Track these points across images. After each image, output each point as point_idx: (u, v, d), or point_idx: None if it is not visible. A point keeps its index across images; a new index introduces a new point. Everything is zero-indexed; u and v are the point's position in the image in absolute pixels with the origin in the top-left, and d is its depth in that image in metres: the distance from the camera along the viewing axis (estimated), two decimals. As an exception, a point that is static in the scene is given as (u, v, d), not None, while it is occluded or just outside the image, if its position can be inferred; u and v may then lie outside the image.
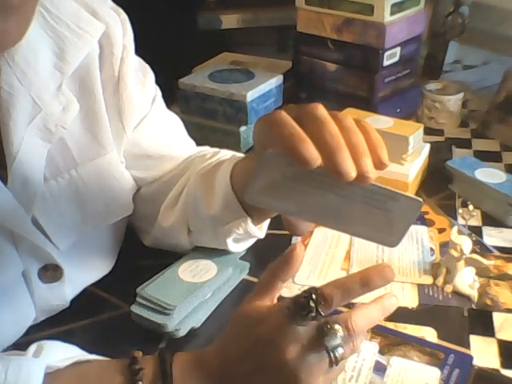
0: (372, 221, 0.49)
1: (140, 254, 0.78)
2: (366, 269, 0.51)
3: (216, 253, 0.73)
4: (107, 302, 0.71)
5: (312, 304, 0.47)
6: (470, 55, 1.32)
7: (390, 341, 0.63)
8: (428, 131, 1.01)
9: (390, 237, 0.49)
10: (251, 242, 0.75)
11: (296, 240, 0.80)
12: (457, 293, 0.70)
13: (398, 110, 1.05)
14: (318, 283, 0.71)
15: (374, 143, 0.48)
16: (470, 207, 0.77)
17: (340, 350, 0.47)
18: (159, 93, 0.76)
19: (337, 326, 0.47)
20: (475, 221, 0.82)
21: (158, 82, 0.76)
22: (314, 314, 0.47)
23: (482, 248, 0.77)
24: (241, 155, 0.75)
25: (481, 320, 0.66)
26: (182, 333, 0.65)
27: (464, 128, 1.11)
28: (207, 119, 1.05)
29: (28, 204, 0.59)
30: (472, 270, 0.71)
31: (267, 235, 0.79)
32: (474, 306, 0.68)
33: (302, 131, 0.46)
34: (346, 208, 0.48)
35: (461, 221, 0.81)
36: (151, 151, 0.74)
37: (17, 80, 0.57)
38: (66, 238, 0.65)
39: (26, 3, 0.49)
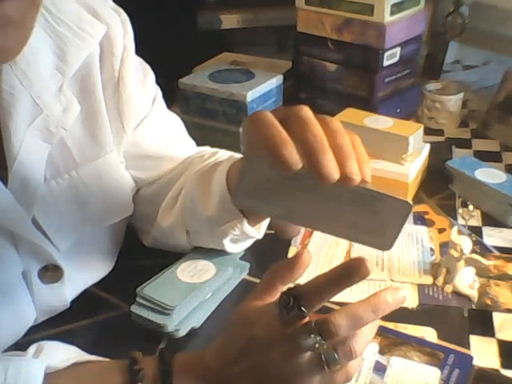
0: (362, 224, 0.48)
1: (140, 254, 0.78)
2: (339, 265, 0.48)
3: (215, 253, 0.73)
4: (107, 302, 0.71)
5: (292, 301, 0.47)
6: (470, 55, 1.32)
7: (390, 341, 0.63)
8: (428, 131, 1.01)
9: (382, 240, 0.49)
10: (249, 242, 0.74)
11: (296, 240, 0.80)
12: (457, 293, 0.70)
13: (398, 110, 1.05)
14: (317, 283, 0.71)
15: (359, 157, 0.47)
16: (470, 207, 0.77)
17: (329, 351, 0.47)
18: (159, 93, 0.76)
19: (311, 327, 0.47)
20: (475, 221, 0.82)
21: (158, 82, 0.76)
22: (296, 312, 0.47)
23: (481, 248, 0.77)
24: (239, 156, 0.74)
25: (481, 320, 0.66)
26: (182, 333, 0.65)
27: (464, 128, 1.11)
28: (207, 119, 1.05)
29: (28, 204, 0.59)
30: (472, 270, 0.71)
31: (267, 235, 0.78)
32: (474, 306, 0.68)
33: (285, 132, 0.46)
34: (334, 211, 0.48)
35: (461, 221, 0.81)
36: (151, 152, 0.74)
37: (18, 81, 0.57)
38: (66, 238, 0.65)
39: (26, 17, 0.49)
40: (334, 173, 0.44)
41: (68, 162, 0.64)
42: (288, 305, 0.47)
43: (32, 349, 0.52)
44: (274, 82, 1.06)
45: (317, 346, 0.46)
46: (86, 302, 0.70)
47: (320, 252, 0.78)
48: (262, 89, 1.03)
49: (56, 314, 0.68)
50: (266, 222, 0.72)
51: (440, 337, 0.64)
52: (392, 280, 0.72)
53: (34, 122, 0.58)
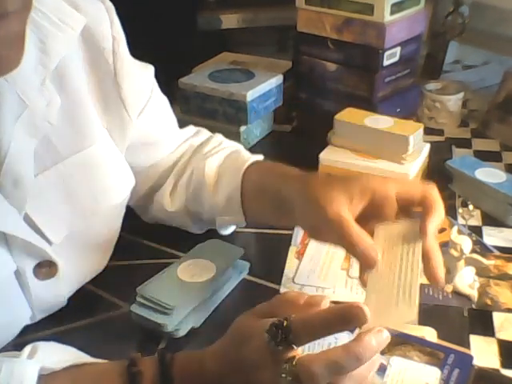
0: None
1: (140, 253, 0.78)
2: (337, 308, 0.49)
3: (215, 253, 0.73)
4: (107, 302, 0.71)
5: (281, 335, 0.47)
6: (470, 55, 1.32)
7: (390, 341, 0.63)
8: (428, 131, 1.01)
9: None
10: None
11: (296, 240, 0.80)
12: (457, 292, 0.70)
13: (398, 110, 1.05)
14: (318, 283, 0.72)
15: None
16: (470, 207, 0.77)
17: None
18: (153, 73, 0.76)
19: (291, 368, 0.46)
20: (475, 221, 0.82)
21: (158, 82, 0.76)
22: (284, 345, 0.47)
23: (482, 248, 0.77)
24: (247, 155, 0.77)
25: (481, 320, 0.66)
26: (182, 333, 0.65)
27: (464, 128, 1.11)
28: (207, 119, 1.05)
29: (20, 202, 0.59)
30: (472, 270, 0.71)
31: (267, 235, 0.79)
32: (474, 306, 0.68)
33: None
34: None
35: (461, 220, 0.81)
36: (152, 138, 0.76)
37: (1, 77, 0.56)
38: (59, 231, 0.64)
39: (24, 27, 0.49)
40: None
41: (53, 155, 0.63)
42: (277, 337, 0.47)
43: (27, 350, 0.51)
44: (274, 81, 1.06)
45: None
46: (85, 301, 0.70)
47: (320, 252, 0.77)
48: (261, 89, 1.03)
49: (55, 314, 0.68)
50: None
51: (440, 336, 0.63)
52: (392, 280, 0.72)
53: (20, 118, 0.58)
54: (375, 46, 0.99)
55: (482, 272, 0.71)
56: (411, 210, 0.60)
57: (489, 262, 0.72)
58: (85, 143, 0.66)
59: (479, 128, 1.10)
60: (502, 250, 0.77)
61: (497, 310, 0.67)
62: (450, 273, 0.70)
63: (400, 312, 0.52)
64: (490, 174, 0.86)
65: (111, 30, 0.67)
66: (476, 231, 0.80)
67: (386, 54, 1.00)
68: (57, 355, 0.52)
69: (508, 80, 1.08)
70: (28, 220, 0.61)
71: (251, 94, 1.00)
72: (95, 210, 0.68)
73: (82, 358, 0.54)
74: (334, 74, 1.05)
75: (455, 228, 0.72)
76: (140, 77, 0.72)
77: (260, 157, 0.77)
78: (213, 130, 1.04)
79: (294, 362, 0.46)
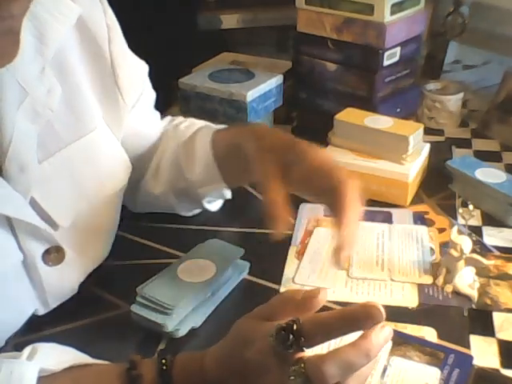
0: None
1: (140, 253, 0.78)
2: (352, 308, 0.49)
3: (215, 253, 0.73)
4: (107, 302, 0.71)
5: (292, 338, 0.46)
6: (470, 55, 1.32)
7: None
8: (428, 131, 1.01)
9: None
10: (221, 201, 0.84)
11: (296, 240, 0.80)
12: (457, 293, 0.70)
13: (398, 110, 1.05)
14: (318, 283, 0.72)
15: None
16: (470, 207, 0.77)
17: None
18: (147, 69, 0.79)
19: (300, 370, 0.46)
20: (475, 221, 0.82)
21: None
22: (293, 349, 0.46)
23: (482, 248, 0.77)
24: (217, 126, 0.81)
25: (481, 320, 0.66)
26: (182, 333, 0.65)
27: (464, 128, 1.11)
28: (207, 119, 1.04)
29: (25, 188, 0.60)
30: (472, 270, 0.71)
31: (267, 235, 0.79)
32: (474, 306, 0.68)
33: None
34: None
35: (461, 221, 0.81)
36: (141, 129, 0.79)
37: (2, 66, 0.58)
38: (66, 215, 0.66)
39: (21, 21, 0.51)
40: None
41: (56, 142, 0.64)
42: (286, 341, 0.46)
43: (26, 351, 0.51)
44: (274, 81, 1.06)
45: None
46: (85, 301, 0.70)
47: (320, 252, 0.77)
48: (262, 89, 1.03)
49: (54, 313, 0.67)
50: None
51: (440, 337, 0.63)
52: (392, 280, 0.72)
53: (22, 105, 0.59)
54: (375, 45, 0.99)
55: (481, 272, 0.71)
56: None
57: (489, 262, 0.72)
58: (85, 129, 0.67)
59: (479, 128, 1.10)
60: (501, 249, 0.77)
61: (497, 309, 0.67)
62: (450, 272, 0.70)
63: None
64: (489, 174, 0.86)
65: (105, 19, 0.68)
66: (476, 231, 0.80)
67: (386, 53, 1.00)
68: (57, 356, 0.52)
69: (508, 80, 1.08)
70: (34, 205, 0.62)
71: (251, 94, 1.00)
72: (99, 194, 0.70)
73: (82, 358, 0.54)
74: (334, 73, 1.05)
75: (455, 228, 0.72)
76: (135, 68, 0.74)
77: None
78: (213, 129, 1.04)
79: (302, 364, 0.46)
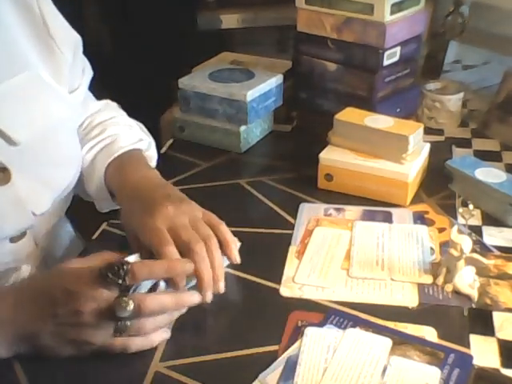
0: None
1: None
2: (172, 260, 0.64)
3: None
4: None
5: (121, 272, 0.57)
6: (470, 55, 1.32)
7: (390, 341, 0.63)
8: (428, 131, 1.01)
9: None
10: None
11: (296, 240, 0.80)
12: (457, 292, 0.70)
13: (398, 110, 1.05)
14: (318, 283, 0.72)
15: None
16: (470, 207, 0.77)
17: (127, 323, 0.57)
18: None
19: (130, 302, 0.56)
20: (475, 220, 0.82)
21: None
22: (120, 281, 0.57)
23: (482, 247, 0.77)
24: (116, 146, 0.82)
25: (481, 319, 0.66)
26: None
27: (464, 128, 1.11)
28: (207, 119, 1.05)
29: None
30: (472, 270, 0.71)
31: (267, 235, 0.79)
32: (474, 306, 0.68)
33: None
34: None
35: (461, 220, 0.81)
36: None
37: None
38: (21, 132, 0.69)
39: None
40: None
41: None
42: (116, 273, 0.57)
43: None
44: (274, 81, 1.06)
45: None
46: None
47: (320, 251, 0.78)
48: (261, 88, 1.03)
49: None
50: None
51: (440, 336, 0.63)
52: (392, 279, 0.72)
53: None
54: (375, 45, 0.99)
55: (481, 272, 0.71)
56: None
57: (489, 262, 0.72)
58: (19, 69, 0.70)
59: (479, 128, 1.10)
60: (501, 249, 0.77)
61: (497, 309, 0.67)
62: (450, 272, 0.70)
63: None
64: (489, 174, 0.86)
65: None
66: (476, 231, 0.80)
67: (386, 53, 1.00)
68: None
69: (508, 80, 1.08)
70: None
71: (251, 94, 1.01)
72: (48, 124, 0.73)
73: None
74: (334, 73, 1.05)
75: (455, 228, 0.72)
76: (67, 27, 0.78)
77: (130, 146, 0.83)
78: (213, 129, 1.04)
79: (126, 295, 0.57)
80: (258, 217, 0.87)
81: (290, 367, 0.59)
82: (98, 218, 0.82)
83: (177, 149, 1.07)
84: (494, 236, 0.80)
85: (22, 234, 0.73)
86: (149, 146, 0.87)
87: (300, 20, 1.06)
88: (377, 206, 0.87)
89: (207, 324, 0.67)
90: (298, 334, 0.64)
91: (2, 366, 0.60)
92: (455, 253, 0.69)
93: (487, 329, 0.65)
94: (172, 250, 0.65)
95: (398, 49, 1.02)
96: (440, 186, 0.91)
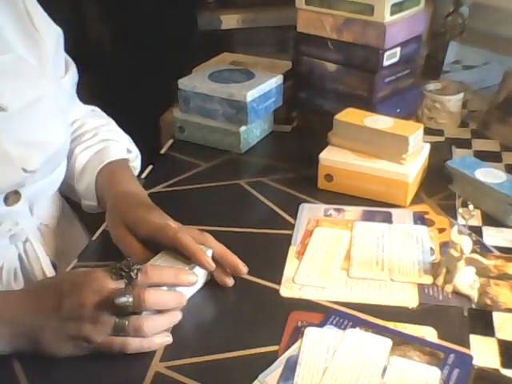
0: None
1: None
2: (179, 269, 0.66)
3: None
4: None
5: (135, 269, 0.60)
6: (470, 55, 1.32)
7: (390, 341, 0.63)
8: (428, 131, 1.01)
9: None
10: None
11: (296, 240, 0.80)
12: (457, 292, 0.70)
13: (398, 110, 1.05)
14: (318, 283, 0.72)
15: None
16: (470, 207, 0.77)
17: (125, 322, 0.59)
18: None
19: (130, 292, 0.58)
20: (475, 221, 0.82)
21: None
22: (132, 274, 0.60)
23: (482, 248, 0.77)
24: (108, 154, 0.85)
25: (481, 320, 0.66)
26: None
27: (464, 128, 1.11)
28: (207, 119, 1.05)
29: None
30: (472, 270, 0.71)
31: (267, 235, 0.79)
32: (474, 306, 0.68)
33: None
34: None
35: (461, 221, 0.81)
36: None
37: None
38: (12, 99, 0.71)
39: None
40: None
41: None
42: (128, 267, 0.60)
43: None
44: (274, 82, 1.06)
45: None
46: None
47: (320, 252, 0.78)
48: (261, 89, 1.03)
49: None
50: None
51: (440, 336, 0.64)
52: (392, 280, 0.72)
53: None
54: (375, 46, 0.99)
55: (481, 272, 0.71)
56: None
57: (489, 262, 0.72)
58: (4, 51, 0.73)
59: (479, 128, 1.10)
60: (501, 249, 0.77)
61: (497, 310, 0.67)
62: (450, 272, 0.70)
63: None
64: (489, 174, 0.86)
65: None
66: (476, 231, 0.80)
67: (386, 54, 1.00)
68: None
69: (508, 80, 1.08)
70: None
71: (251, 94, 1.01)
72: (34, 93, 0.75)
73: None
74: (334, 74, 1.05)
75: (455, 228, 0.72)
76: (51, 22, 0.81)
77: (121, 155, 0.87)
78: (213, 129, 1.04)
79: (131, 288, 0.59)
80: (258, 217, 0.87)
81: (290, 367, 0.59)
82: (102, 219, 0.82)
83: (177, 149, 1.07)
84: (493, 236, 0.80)
85: (16, 197, 0.74)
86: (135, 157, 0.93)
87: (300, 20, 1.06)
88: (377, 207, 0.87)
89: (207, 324, 0.67)
90: (297, 334, 0.64)
91: (1, 365, 0.60)
92: (455, 253, 0.69)
93: (487, 329, 0.65)
94: (185, 235, 0.69)
95: (398, 49, 1.02)
96: (440, 187, 0.91)
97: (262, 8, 1.51)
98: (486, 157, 0.95)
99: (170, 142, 1.09)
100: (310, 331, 0.63)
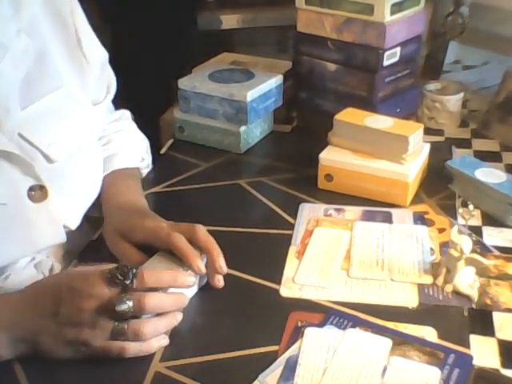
0: None
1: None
2: (177, 271, 0.66)
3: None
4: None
5: (130, 275, 0.59)
6: (470, 55, 1.32)
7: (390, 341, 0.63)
8: (428, 131, 1.01)
9: None
10: None
11: (296, 240, 0.80)
12: (457, 292, 0.70)
13: (398, 110, 1.05)
14: (318, 283, 0.72)
15: None
16: (470, 207, 0.77)
17: (125, 326, 0.59)
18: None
19: (130, 298, 0.58)
20: (475, 221, 0.82)
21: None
22: (127, 282, 0.59)
23: (482, 248, 0.77)
24: (113, 163, 0.86)
25: (481, 320, 0.66)
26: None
27: (464, 128, 1.11)
28: (207, 119, 1.05)
29: (12, 127, 0.67)
30: (472, 270, 0.71)
31: (267, 235, 0.79)
32: (474, 306, 0.68)
33: None
34: None
35: (461, 221, 0.81)
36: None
37: None
38: (58, 149, 0.72)
39: None
40: None
41: (35, 93, 0.71)
42: (124, 274, 0.59)
43: None
44: (274, 82, 1.06)
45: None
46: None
47: (320, 252, 0.78)
48: (262, 89, 1.03)
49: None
50: None
51: (440, 336, 0.64)
52: (392, 280, 0.72)
53: (4, 59, 0.66)
54: (375, 45, 0.99)
55: (482, 272, 0.71)
56: None
57: (489, 262, 0.72)
58: (53, 86, 0.74)
59: (479, 128, 1.10)
60: (501, 249, 0.77)
61: (497, 310, 0.67)
62: (450, 272, 0.70)
63: None
64: (489, 174, 0.86)
65: None
66: (476, 231, 0.80)
67: (386, 54, 1.00)
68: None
69: (508, 80, 1.08)
70: (23, 140, 0.68)
71: (251, 94, 1.01)
72: (80, 138, 0.76)
73: None
74: (334, 74, 1.05)
75: (455, 228, 0.72)
76: (99, 45, 0.82)
77: (126, 164, 0.87)
78: (213, 129, 1.04)
79: (129, 295, 0.59)
80: (258, 217, 0.87)
81: (290, 367, 0.59)
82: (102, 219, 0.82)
83: (177, 149, 1.07)
84: (493, 236, 0.80)
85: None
86: (147, 166, 0.93)
87: (300, 20, 1.06)
88: (377, 207, 0.87)
89: (207, 324, 0.67)
90: (298, 334, 0.64)
91: (1, 366, 0.60)
92: (455, 253, 0.69)
93: (487, 329, 0.65)
94: (181, 237, 0.68)
95: (398, 49, 1.02)
96: (440, 187, 0.91)
97: (262, 8, 1.51)
98: (485, 157, 0.95)
99: (170, 141, 1.09)
100: (309, 331, 0.63)
